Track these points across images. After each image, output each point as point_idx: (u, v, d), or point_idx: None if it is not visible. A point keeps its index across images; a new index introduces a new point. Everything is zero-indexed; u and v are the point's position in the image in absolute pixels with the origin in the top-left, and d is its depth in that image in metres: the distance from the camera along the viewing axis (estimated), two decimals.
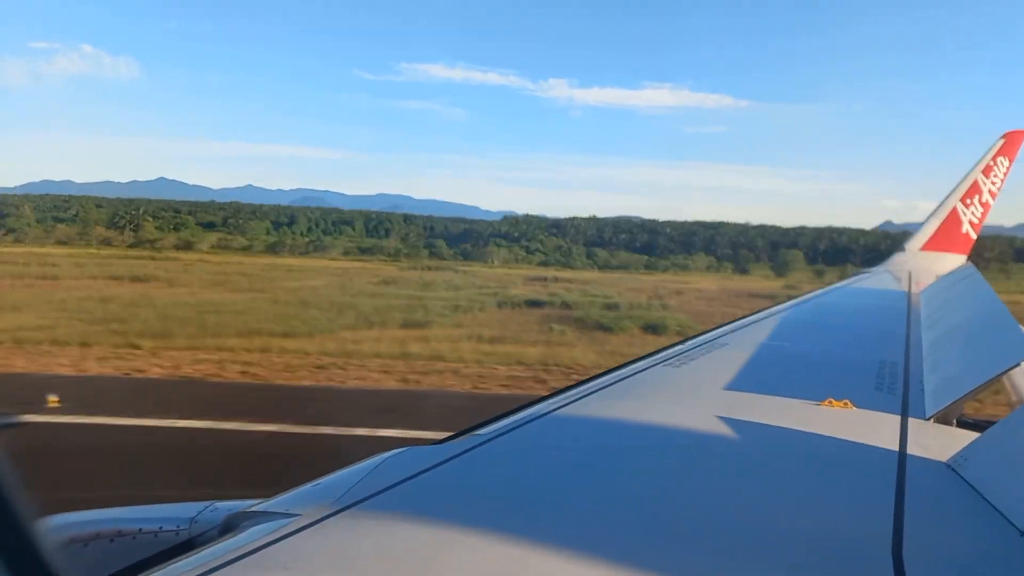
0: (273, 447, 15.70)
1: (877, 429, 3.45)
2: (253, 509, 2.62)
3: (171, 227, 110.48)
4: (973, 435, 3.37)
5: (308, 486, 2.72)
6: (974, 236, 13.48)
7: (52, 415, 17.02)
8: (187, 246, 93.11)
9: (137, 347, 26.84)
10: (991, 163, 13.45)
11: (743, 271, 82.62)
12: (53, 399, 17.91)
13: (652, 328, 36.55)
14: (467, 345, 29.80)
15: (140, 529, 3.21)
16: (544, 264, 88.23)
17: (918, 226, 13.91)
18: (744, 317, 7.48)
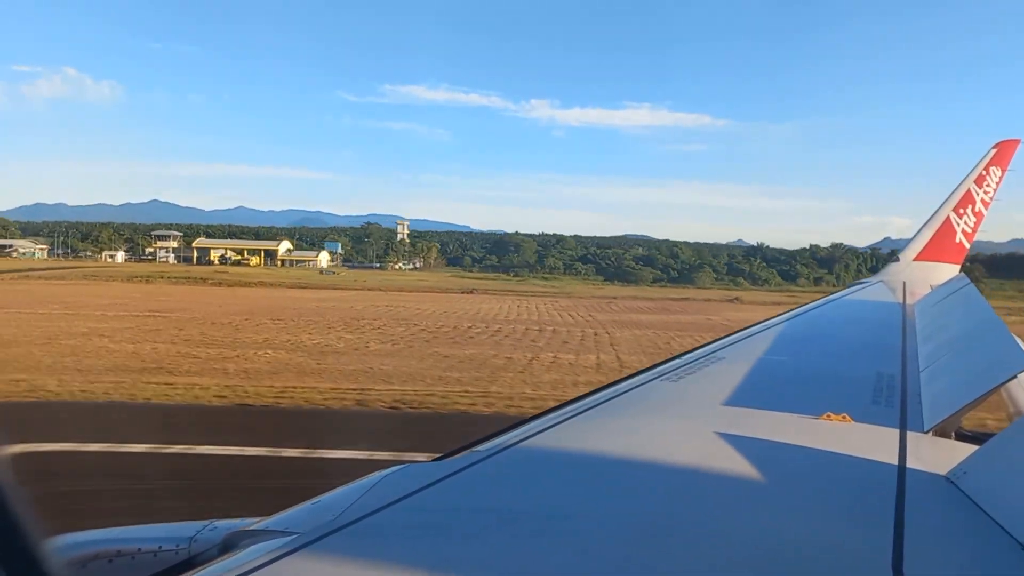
0: None
1: (876, 443, 3.45)
2: (252, 528, 2.62)
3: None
4: (972, 448, 3.37)
5: (307, 504, 2.72)
6: (967, 246, 13.47)
7: None
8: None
9: None
10: (983, 173, 13.42)
11: None
12: None
13: None
14: None
15: (139, 549, 3.19)
16: None
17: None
18: (741, 330, 7.49)
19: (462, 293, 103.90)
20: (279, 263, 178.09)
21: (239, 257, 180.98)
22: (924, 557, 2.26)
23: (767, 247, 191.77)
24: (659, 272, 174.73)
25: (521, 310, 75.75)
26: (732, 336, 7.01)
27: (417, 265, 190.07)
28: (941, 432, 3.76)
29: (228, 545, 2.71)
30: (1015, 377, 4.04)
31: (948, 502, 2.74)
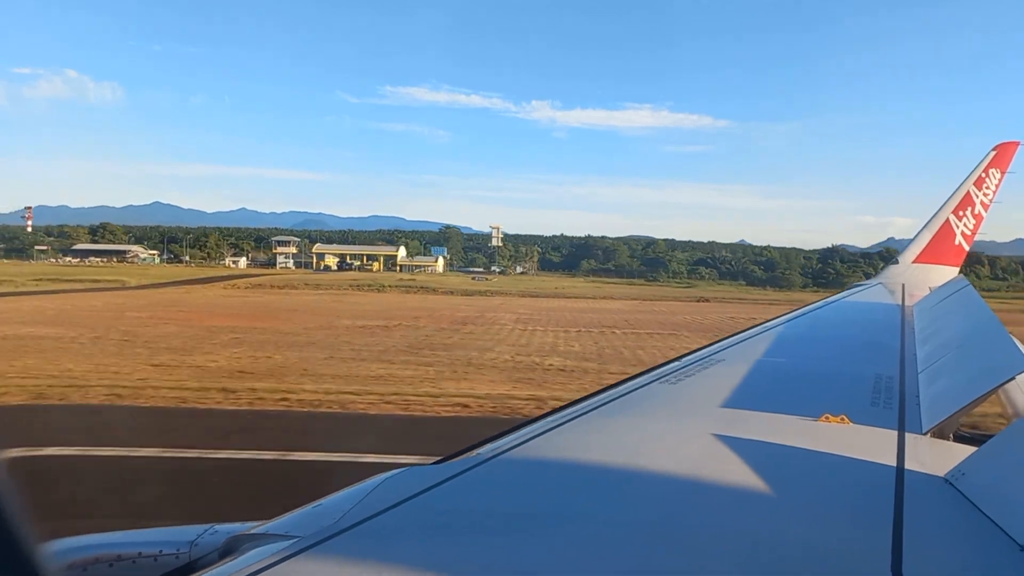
0: None
1: (874, 444, 3.46)
2: (253, 531, 2.62)
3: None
4: (970, 449, 3.38)
5: (308, 507, 2.72)
6: (967, 248, 13.47)
7: None
8: None
9: None
10: (983, 175, 13.41)
11: None
12: None
13: None
14: None
15: (140, 553, 3.19)
16: None
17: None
18: (740, 332, 7.49)
19: (697, 302, 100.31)
20: (398, 268, 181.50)
21: (359, 263, 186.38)
22: (923, 558, 2.26)
23: (844, 248, 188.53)
24: (800, 276, 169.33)
25: None
26: (731, 338, 7.02)
27: (522, 269, 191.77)
28: (939, 433, 3.77)
29: (229, 549, 2.72)
30: (1013, 379, 4.05)
31: (947, 503, 2.74)
